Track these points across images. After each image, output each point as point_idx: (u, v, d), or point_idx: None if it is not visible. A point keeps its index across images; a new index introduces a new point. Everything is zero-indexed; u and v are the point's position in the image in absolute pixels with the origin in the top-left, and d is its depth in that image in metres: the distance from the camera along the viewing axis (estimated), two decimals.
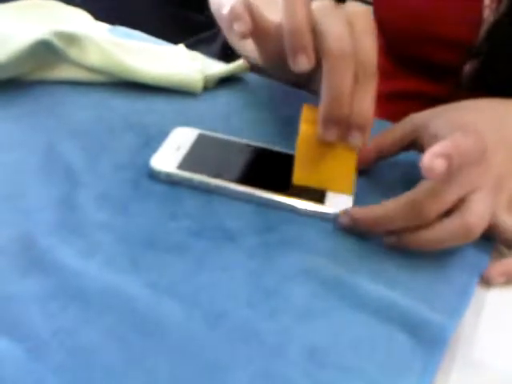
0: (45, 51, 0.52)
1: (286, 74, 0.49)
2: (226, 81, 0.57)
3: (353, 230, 0.40)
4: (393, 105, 0.67)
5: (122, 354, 0.31)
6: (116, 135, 0.48)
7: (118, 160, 0.45)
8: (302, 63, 0.40)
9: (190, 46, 0.61)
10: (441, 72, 0.64)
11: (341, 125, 0.40)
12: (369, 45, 0.40)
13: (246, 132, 0.49)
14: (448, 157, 0.36)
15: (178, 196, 0.42)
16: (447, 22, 0.60)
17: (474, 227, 0.37)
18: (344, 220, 0.40)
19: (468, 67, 0.61)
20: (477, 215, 0.37)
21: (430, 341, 0.33)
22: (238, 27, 0.42)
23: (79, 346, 0.31)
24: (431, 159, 0.35)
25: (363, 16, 0.41)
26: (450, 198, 0.38)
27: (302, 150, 0.43)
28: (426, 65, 0.66)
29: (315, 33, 0.40)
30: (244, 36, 0.42)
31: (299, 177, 0.43)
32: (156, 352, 0.31)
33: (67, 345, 0.31)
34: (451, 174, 0.36)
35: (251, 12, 0.43)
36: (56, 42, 0.51)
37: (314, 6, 0.41)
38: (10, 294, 0.33)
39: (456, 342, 0.35)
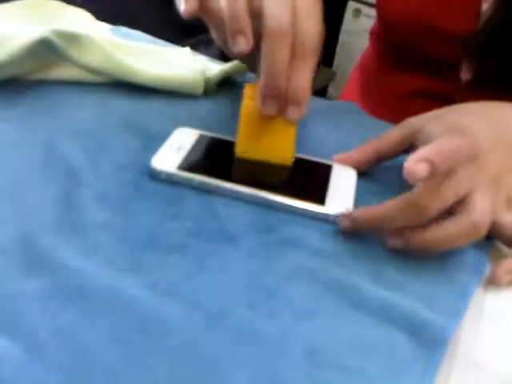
0: (45, 51, 0.51)
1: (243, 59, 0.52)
2: (227, 82, 0.57)
3: (354, 232, 0.40)
4: (394, 104, 0.68)
5: (122, 354, 0.31)
6: (116, 135, 0.48)
7: (118, 160, 0.45)
8: (240, 44, 0.41)
9: (191, 47, 0.62)
10: (441, 68, 0.64)
11: (278, 99, 0.42)
12: (309, 26, 0.42)
13: None
14: (430, 161, 0.36)
15: (178, 196, 0.42)
16: (446, 17, 0.61)
17: (481, 224, 0.38)
18: (345, 222, 0.40)
19: (466, 61, 0.61)
20: (482, 212, 0.38)
21: (431, 342, 0.33)
22: (185, 5, 0.43)
23: (79, 345, 0.31)
24: (413, 164, 0.36)
25: (309, 2, 0.43)
26: (448, 195, 0.38)
27: (244, 124, 0.45)
28: (426, 61, 0.66)
29: (260, 16, 0.41)
30: (190, 15, 0.43)
31: (242, 149, 0.45)
32: (156, 352, 0.31)
33: (67, 344, 0.31)
34: (435, 175, 0.36)
35: None
36: (56, 41, 0.51)
37: None
38: (9, 293, 0.33)
39: (456, 343, 0.35)
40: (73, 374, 0.29)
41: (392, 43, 0.73)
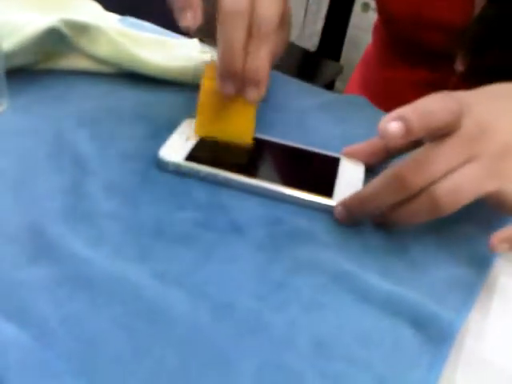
0: (54, 40, 0.51)
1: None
2: None
3: (351, 220, 0.40)
4: (397, 96, 0.68)
5: (130, 343, 0.31)
6: (125, 125, 0.48)
7: (126, 150, 0.45)
8: (186, 19, 0.41)
9: (199, 39, 0.61)
10: (441, 60, 0.64)
11: (236, 79, 0.42)
12: (267, 4, 0.41)
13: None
14: (404, 118, 0.35)
15: (186, 187, 0.42)
16: (442, 7, 0.61)
17: (442, 203, 0.36)
18: (339, 211, 0.40)
19: (461, 53, 0.61)
20: (448, 189, 0.36)
21: (437, 336, 0.33)
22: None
23: (86, 333, 0.31)
24: (386, 121, 0.35)
25: None
26: (434, 169, 0.36)
27: (203, 104, 0.45)
28: (425, 53, 0.66)
29: None
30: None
31: (201, 129, 0.46)
32: (163, 342, 0.31)
33: (75, 333, 0.31)
34: (412, 135, 0.35)
35: None
36: (65, 31, 0.51)
37: None
38: (18, 280, 0.33)
39: (463, 338, 0.35)
40: (80, 362, 0.29)
41: (391, 37, 0.73)
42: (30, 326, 0.31)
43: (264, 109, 0.51)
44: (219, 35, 0.41)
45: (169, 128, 0.47)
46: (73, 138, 0.45)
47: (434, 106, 0.37)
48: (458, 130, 0.37)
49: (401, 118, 0.35)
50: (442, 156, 0.37)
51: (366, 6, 1.60)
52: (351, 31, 1.31)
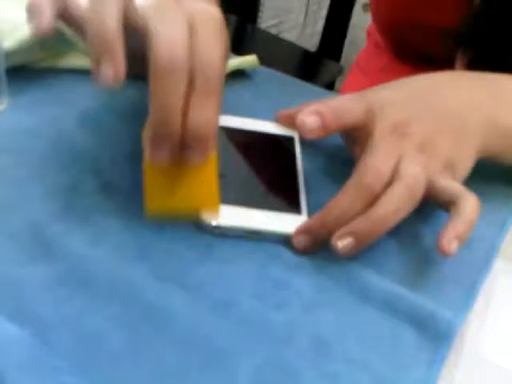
0: (55, 39, 0.51)
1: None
2: (235, 73, 0.57)
3: (315, 246, 0.38)
4: None
5: (129, 342, 0.31)
6: (125, 124, 0.48)
7: (126, 148, 0.45)
8: (105, 75, 0.32)
9: None
10: (436, 62, 0.64)
11: (172, 142, 0.33)
12: (211, 51, 0.33)
13: None
14: (320, 114, 0.38)
15: None
16: (439, 10, 0.61)
17: (415, 186, 0.37)
18: (302, 241, 0.38)
19: (460, 53, 0.61)
20: (412, 175, 0.37)
21: (437, 336, 0.33)
22: (34, 23, 0.36)
23: (86, 332, 0.31)
24: (304, 115, 0.38)
25: (210, 15, 0.34)
26: (383, 168, 0.38)
27: (150, 176, 0.36)
28: (420, 56, 0.66)
29: (144, 31, 0.32)
30: (38, 34, 0.36)
31: (153, 206, 0.36)
32: (162, 340, 0.31)
33: (74, 331, 0.31)
34: (327, 130, 0.38)
35: (62, 2, 0.37)
36: (66, 30, 0.51)
37: (150, 2, 0.33)
38: (17, 279, 0.33)
39: (462, 338, 0.35)
40: (80, 360, 0.29)
41: (386, 41, 0.73)
42: (29, 324, 0.31)
43: (262, 109, 0.51)
44: (152, 90, 0.32)
45: None
46: (73, 136, 0.45)
47: (345, 105, 0.40)
48: (373, 131, 0.40)
49: (317, 113, 0.38)
50: (380, 159, 0.38)
51: (366, 7, 1.61)
52: (352, 31, 1.31)
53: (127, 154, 0.44)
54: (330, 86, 1.29)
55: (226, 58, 0.35)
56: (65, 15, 0.38)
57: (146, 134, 0.35)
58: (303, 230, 0.38)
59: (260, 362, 0.31)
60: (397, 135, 0.40)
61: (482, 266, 0.39)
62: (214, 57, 0.33)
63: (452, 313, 0.35)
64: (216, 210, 0.37)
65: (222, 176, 0.38)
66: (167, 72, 0.31)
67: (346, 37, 1.30)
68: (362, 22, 1.55)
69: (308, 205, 0.41)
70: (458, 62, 0.62)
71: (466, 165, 0.41)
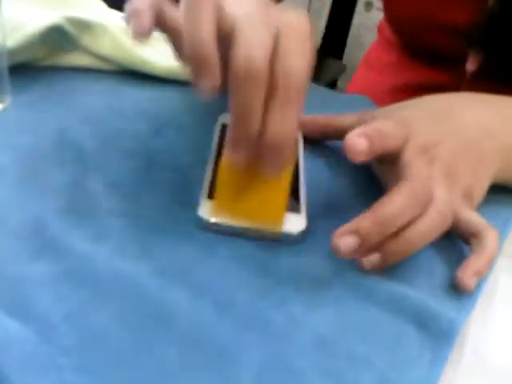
0: (57, 37, 0.51)
1: None
2: None
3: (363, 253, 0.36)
4: (400, 97, 0.68)
5: (132, 339, 0.31)
6: (128, 122, 0.48)
7: (129, 147, 0.45)
8: (204, 88, 0.34)
9: None
10: (448, 61, 0.64)
11: (250, 145, 0.34)
12: (294, 63, 0.33)
13: None
14: (368, 136, 0.36)
15: (188, 184, 0.42)
16: (449, 9, 0.60)
17: (446, 212, 0.37)
18: (349, 242, 0.35)
19: (472, 53, 0.61)
20: (443, 201, 0.37)
21: (439, 335, 0.33)
22: (134, 25, 0.36)
23: (88, 329, 0.31)
24: (352, 138, 0.36)
25: (298, 25, 0.34)
26: (411, 211, 0.36)
27: (222, 183, 0.37)
28: (432, 54, 0.66)
29: (230, 36, 0.33)
30: (138, 37, 0.36)
31: (220, 210, 0.37)
32: (165, 338, 0.31)
33: (76, 328, 0.31)
34: (373, 153, 0.37)
35: (158, 9, 0.38)
36: (69, 28, 0.51)
37: (241, 9, 0.34)
38: (20, 276, 0.33)
39: (464, 337, 0.35)
40: (82, 358, 0.29)
41: (398, 37, 0.72)
42: (32, 321, 0.31)
43: None
44: (232, 91, 0.33)
45: (171, 124, 0.47)
46: (76, 134, 0.45)
47: (389, 130, 0.39)
48: (404, 151, 0.39)
49: (366, 136, 0.36)
50: (421, 181, 0.37)
51: (368, 5, 1.60)
52: (354, 30, 1.31)
53: (129, 152, 0.44)
54: (333, 85, 1.29)
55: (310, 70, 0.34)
56: (160, 21, 0.38)
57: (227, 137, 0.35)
58: (348, 231, 0.35)
59: (262, 360, 0.31)
60: (426, 156, 0.39)
61: None
62: (296, 67, 0.33)
63: (454, 312, 0.35)
64: (279, 227, 0.37)
65: None
66: (245, 80, 0.32)
67: (348, 35, 1.29)
68: (364, 20, 1.55)
69: (307, 204, 0.41)
70: (470, 62, 0.62)
71: (481, 193, 0.41)
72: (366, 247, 0.35)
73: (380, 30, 0.81)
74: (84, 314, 0.32)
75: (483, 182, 0.42)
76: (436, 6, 0.62)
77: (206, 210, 0.38)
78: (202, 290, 0.34)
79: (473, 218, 0.39)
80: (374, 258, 0.36)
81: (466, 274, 0.36)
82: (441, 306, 0.35)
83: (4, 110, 0.47)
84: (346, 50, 1.31)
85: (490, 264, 0.37)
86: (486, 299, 0.37)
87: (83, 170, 0.42)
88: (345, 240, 0.35)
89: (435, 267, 0.38)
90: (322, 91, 0.59)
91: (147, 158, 0.44)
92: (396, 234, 0.35)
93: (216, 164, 0.41)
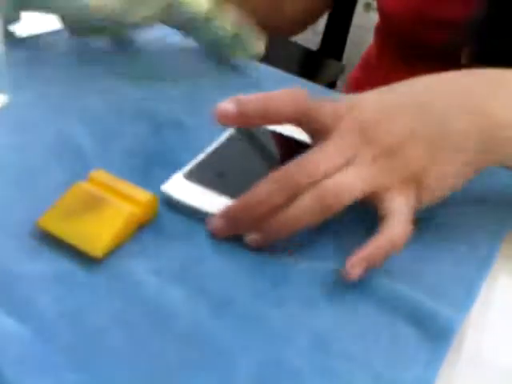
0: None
1: None
2: (236, 70, 0.57)
3: (229, 233, 0.38)
4: None
5: (129, 338, 0.31)
6: (126, 121, 0.48)
7: (128, 146, 0.45)
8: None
9: None
10: (443, 56, 0.64)
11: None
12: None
13: None
14: (239, 101, 0.36)
15: None
16: (447, 4, 0.60)
17: (329, 198, 0.35)
18: (216, 222, 0.37)
19: (467, 47, 0.61)
20: (335, 186, 0.35)
21: (436, 334, 0.33)
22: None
23: (86, 328, 0.31)
24: (224, 102, 0.37)
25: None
26: (317, 168, 0.36)
27: (66, 199, 0.37)
28: (428, 52, 0.66)
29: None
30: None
31: (46, 220, 0.36)
32: (162, 337, 0.31)
33: (74, 327, 0.31)
34: (244, 117, 0.36)
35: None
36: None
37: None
38: (18, 274, 0.33)
39: (462, 336, 0.35)
40: (80, 357, 0.29)
41: (392, 38, 0.72)
42: (29, 320, 0.31)
43: None
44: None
45: (171, 124, 0.47)
46: (74, 134, 0.45)
47: (278, 96, 0.37)
48: (336, 130, 0.37)
49: (237, 101, 0.36)
50: (323, 156, 0.36)
51: (368, 6, 1.61)
52: (353, 31, 1.31)
53: (128, 152, 0.44)
54: (332, 85, 1.29)
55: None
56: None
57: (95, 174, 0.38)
58: (222, 213, 0.37)
59: (260, 359, 0.31)
60: (360, 135, 0.37)
61: (483, 264, 0.39)
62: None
63: (452, 312, 0.35)
64: (99, 255, 0.35)
65: (221, 173, 0.41)
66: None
67: (347, 36, 1.30)
68: (363, 21, 1.55)
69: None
70: (464, 57, 0.62)
71: (438, 177, 0.37)
72: (235, 227, 0.37)
73: (377, 30, 0.81)
74: (81, 313, 0.32)
75: (446, 168, 0.37)
76: (427, 1, 0.62)
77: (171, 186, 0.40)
78: (198, 290, 0.34)
79: (393, 203, 0.36)
80: (255, 236, 0.37)
81: (351, 261, 0.34)
82: (439, 305, 0.35)
83: (3, 108, 0.47)
84: (346, 51, 1.31)
85: (387, 253, 0.35)
86: (485, 299, 0.37)
87: (82, 169, 0.42)
88: (215, 222, 0.37)
89: (433, 266, 0.38)
90: (322, 92, 0.59)
91: (146, 158, 0.44)
92: (276, 213, 0.36)
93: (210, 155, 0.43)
